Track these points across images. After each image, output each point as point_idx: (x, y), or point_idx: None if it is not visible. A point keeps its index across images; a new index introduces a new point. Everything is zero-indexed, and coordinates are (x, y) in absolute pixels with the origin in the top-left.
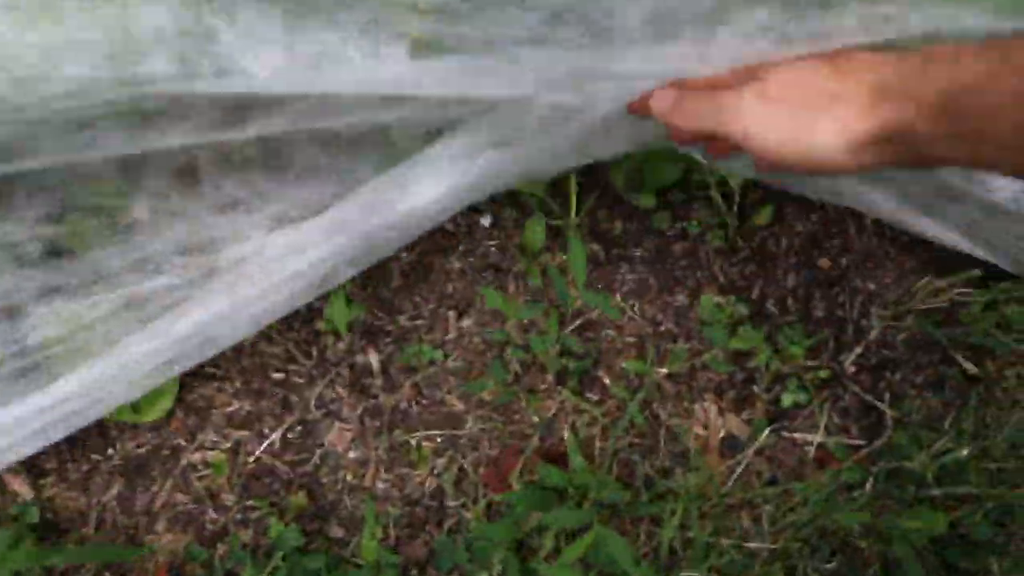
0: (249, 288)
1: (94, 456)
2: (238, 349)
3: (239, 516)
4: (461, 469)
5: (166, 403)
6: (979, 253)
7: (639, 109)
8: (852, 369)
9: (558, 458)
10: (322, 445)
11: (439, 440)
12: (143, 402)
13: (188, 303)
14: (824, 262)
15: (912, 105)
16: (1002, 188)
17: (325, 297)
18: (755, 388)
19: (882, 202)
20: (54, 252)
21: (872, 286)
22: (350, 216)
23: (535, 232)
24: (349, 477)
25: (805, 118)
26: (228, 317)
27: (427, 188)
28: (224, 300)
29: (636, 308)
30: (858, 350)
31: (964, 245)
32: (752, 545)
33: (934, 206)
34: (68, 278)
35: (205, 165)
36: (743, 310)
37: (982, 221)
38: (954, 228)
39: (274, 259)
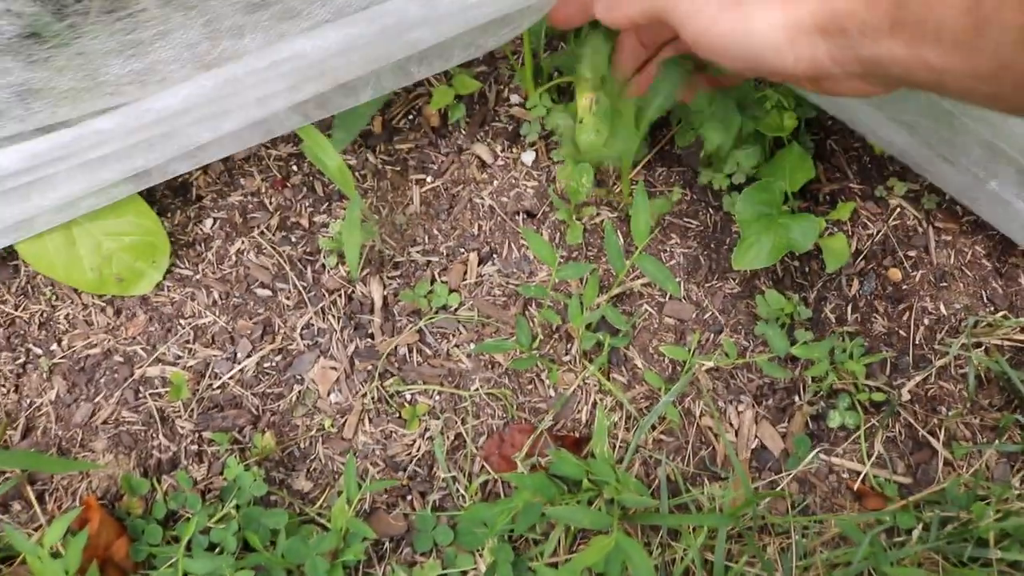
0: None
1: (34, 350)
2: (222, 254)
3: (193, 448)
4: (458, 436)
5: (154, 276)
6: None
7: None
8: (908, 396)
9: (573, 444)
10: (301, 381)
11: (437, 398)
12: (128, 274)
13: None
14: (894, 272)
15: None
16: None
17: (331, 210)
18: (798, 399)
19: None
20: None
21: (944, 309)
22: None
23: (583, 177)
24: (327, 424)
25: None
26: (209, 107)
27: None
28: (207, 82)
29: (681, 287)
30: (918, 378)
31: None
32: None
33: None
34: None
35: None
36: (805, 313)
37: None
38: None
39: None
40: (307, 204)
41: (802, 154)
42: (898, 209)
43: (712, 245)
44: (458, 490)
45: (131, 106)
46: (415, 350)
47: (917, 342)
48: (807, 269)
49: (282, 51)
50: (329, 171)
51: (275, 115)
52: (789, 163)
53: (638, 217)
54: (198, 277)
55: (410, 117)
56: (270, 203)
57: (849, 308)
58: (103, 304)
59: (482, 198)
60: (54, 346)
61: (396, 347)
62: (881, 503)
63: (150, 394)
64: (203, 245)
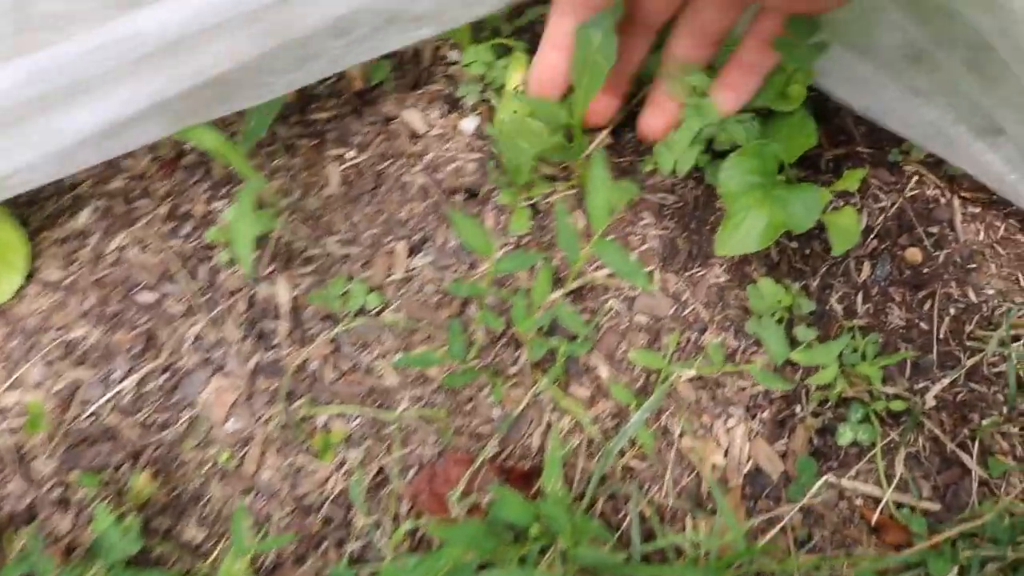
0: None
1: None
2: (99, 252)
3: (54, 494)
4: (381, 471)
5: (13, 279)
6: None
7: None
8: (932, 404)
9: (521, 477)
10: (192, 406)
11: (356, 423)
12: None
13: None
14: (913, 253)
15: None
16: None
17: (232, 195)
18: (800, 410)
19: None
20: None
21: (974, 296)
22: None
23: (522, 164)
24: (223, 458)
25: None
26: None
27: None
28: None
29: (657, 276)
30: (945, 380)
31: None
32: None
33: None
34: None
35: None
36: (807, 305)
37: None
38: None
39: None
40: (202, 189)
41: (804, 117)
42: (916, 177)
43: (693, 225)
44: (381, 538)
45: None
46: (329, 364)
47: (942, 337)
48: (808, 251)
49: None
50: (209, 149)
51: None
52: (787, 128)
53: (595, 195)
54: (70, 280)
55: (329, 81)
56: (159, 188)
57: (860, 298)
58: None
59: (413, 175)
60: None
61: (306, 360)
62: (904, 537)
63: (4, 428)
64: (77, 241)
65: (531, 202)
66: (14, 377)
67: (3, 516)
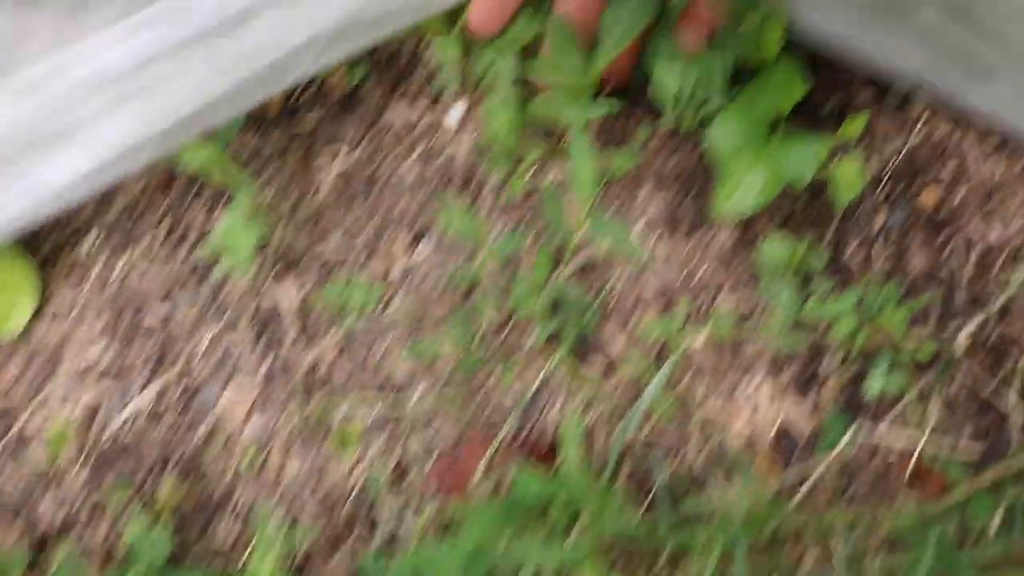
0: None
1: None
2: (106, 276)
3: (87, 507)
4: (402, 461)
5: (24, 310)
6: None
7: None
8: (964, 346)
9: (542, 455)
10: (210, 413)
11: (373, 416)
12: None
13: None
14: (928, 196)
15: None
16: None
17: (227, 205)
18: (824, 366)
19: None
20: None
21: (997, 234)
22: None
23: (511, 123)
24: (245, 461)
25: None
26: None
27: None
28: None
29: (662, 245)
30: (974, 322)
31: None
32: None
33: None
34: None
35: None
36: (820, 257)
37: None
38: None
39: None
40: (200, 203)
41: (790, 67)
42: (923, 119)
43: (695, 190)
44: (407, 526)
45: None
46: (341, 360)
47: (968, 279)
48: (817, 205)
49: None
50: (203, 165)
51: None
52: (774, 81)
53: (580, 167)
54: (81, 305)
55: (311, 90)
56: (157, 208)
57: (876, 247)
58: None
59: (405, 170)
60: None
61: (317, 360)
62: (943, 485)
63: (33, 451)
64: (84, 267)
65: (523, 181)
66: (37, 400)
67: (40, 533)
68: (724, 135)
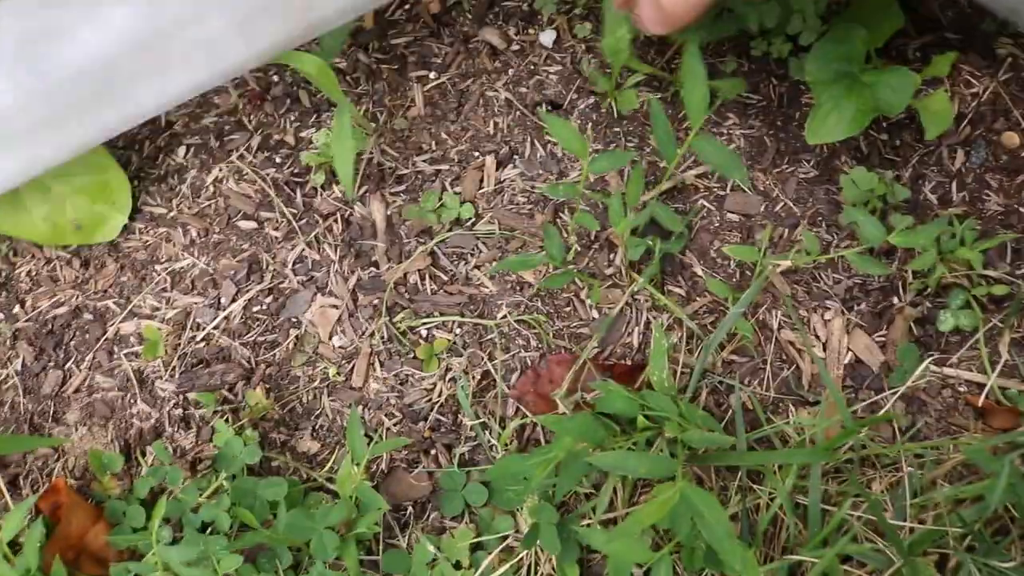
0: None
1: None
2: (198, 186)
3: (177, 412)
4: (486, 375)
5: (119, 218)
6: None
7: None
8: None
9: (625, 373)
10: (298, 325)
11: (458, 331)
12: (87, 220)
13: None
14: (1009, 137)
15: None
16: None
17: (320, 122)
18: (898, 300)
19: None
20: None
21: None
22: None
23: (619, 44)
24: (332, 372)
25: None
26: None
27: None
28: None
29: (748, 172)
30: None
31: None
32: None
33: None
34: None
35: None
36: (901, 193)
37: None
38: None
39: None
40: (292, 118)
41: (885, 1)
42: (1009, 59)
43: (779, 123)
44: (490, 440)
45: None
46: (427, 276)
47: None
48: (898, 142)
49: None
50: (308, 73)
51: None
52: (869, 10)
53: (692, 87)
54: (173, 215)
55: (406, 7)
56: (249, 121)
57: (955, 185)
58: (68, 256)
59: (496, 91)
60: (16, 308)
61: (405, 275)
62: (1012, 420)
63: (125, 354)
64: (176, 177)
65: (623, 98)
66: (130, 307)
67: (134, 433)
68: (821, 64)
